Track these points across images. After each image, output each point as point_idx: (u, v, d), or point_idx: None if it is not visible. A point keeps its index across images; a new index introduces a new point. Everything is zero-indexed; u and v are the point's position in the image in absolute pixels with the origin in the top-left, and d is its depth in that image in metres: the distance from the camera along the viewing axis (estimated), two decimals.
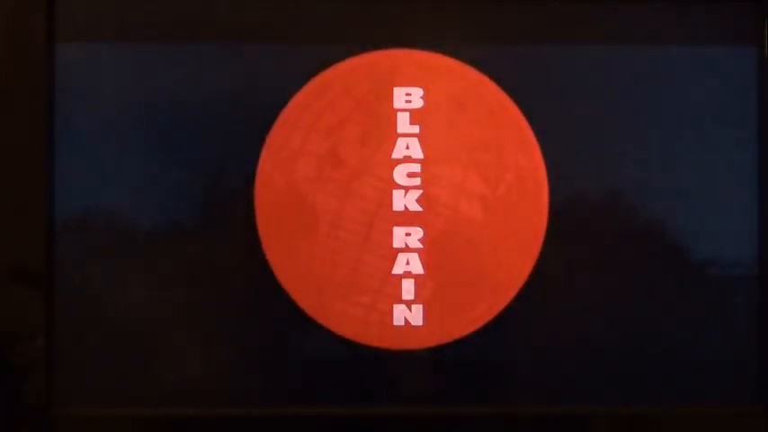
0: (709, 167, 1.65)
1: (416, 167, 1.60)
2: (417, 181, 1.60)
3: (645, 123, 1.64)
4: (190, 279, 1.62)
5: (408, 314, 1.62)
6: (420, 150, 1.60)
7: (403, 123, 1.61)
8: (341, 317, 1.61)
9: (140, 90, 1.63)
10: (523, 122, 1.63)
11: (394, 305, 1.61)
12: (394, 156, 1.60)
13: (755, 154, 1.65)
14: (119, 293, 1.62)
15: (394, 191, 1.60)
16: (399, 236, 1.60)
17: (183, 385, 1.62)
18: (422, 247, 1.60)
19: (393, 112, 1.61)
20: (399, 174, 1.60)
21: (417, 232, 1.60)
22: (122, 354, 1.62)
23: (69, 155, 1.61)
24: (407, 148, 1.60)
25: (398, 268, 1.60)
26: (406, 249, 1.60)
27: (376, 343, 1.62)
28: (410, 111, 1.61)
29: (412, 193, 1.60)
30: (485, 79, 1.63)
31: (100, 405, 1.62)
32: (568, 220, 1.64)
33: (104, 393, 1.62)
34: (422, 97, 1.61)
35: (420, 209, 1.60)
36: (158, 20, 1.63)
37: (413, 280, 1.61)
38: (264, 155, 1.62)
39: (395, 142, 1.60)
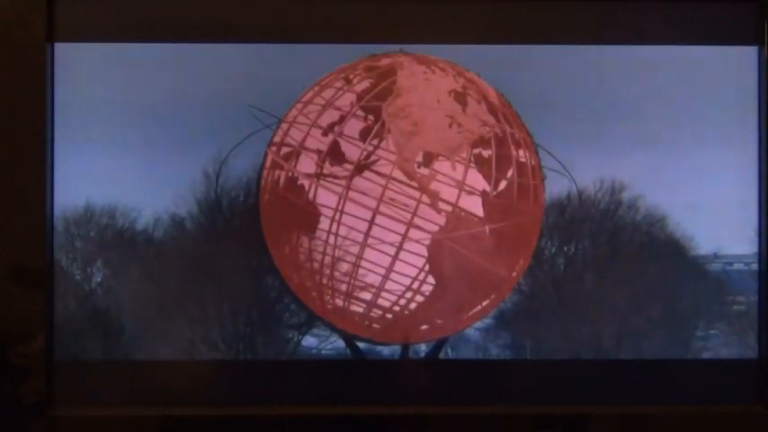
0: (709, 166, 1.65)
1: (417, 164, 1.60)
2: (418, 177, 1.60)
3: (644, 122, 1.65)
4: (192, 277, 1.62)
5: (409, 310, 1.62)
6: (420, 147, 1.60)
7: (404, 120, 1.61)
8: (343, 314, 1.62)
9: (141, 89, 1.63)
10: (522, 121, 1.63)
11: (395, 301, 1.62)
12: (394, 152, 1.60)
13: (756, 153, 1.65)
14: (119, 293, 1.62)
15: (394, 187, 1.59)
16: (400, 232, 1.59)
17: (182, 385, 1.62)
18: (422, 243, 1.60)
19: (394, 110, 1.61)
20: (400, 170, 1.60)
21: (418, 228, 1.60)
22: (122, 354, 1.62)
23: (69, 155, 1.62)
24: (408, 144, 1.60)
25: (399, 264, 1.60)
26: (407, 245, 1.60)
27: (376, 339, 1.63)
28: (411, 108, 1.61)
29: (412, 190, 1.60)
30: (483, 78, 1.64)
31: (99, 405, 1.61)
32: (565, 217, 1.64)
33: (104, 393, 1.61)
34: (422, 95, 1.61)
35: (420, 205, 1.60)
36: (158, 20, 1.63)
37: (413, 276, 1.61)
38: (268, 152, 1.62)
39: (395, 139, 1.60)
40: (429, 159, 1.60)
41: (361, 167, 1.60)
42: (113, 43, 1.63)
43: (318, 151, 1.61)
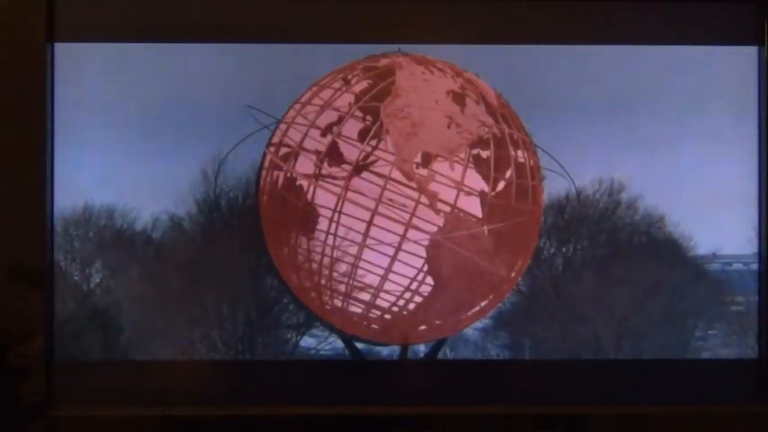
0: (709, 165, 1.65)
1: (415, 164, 1.60)
2: (416, 178, 1.60)
3: (644, 122, 1.64)
4: (192, 277, 1.62)
5: (407, 310, 1.62)
6: (419, 148, 1.60)
7: (402, 121, 1.61)
8: (342, 314, 1.62)
9: (141, 89, 1.63)
10: (520, 121, 1.63)
11: (393, 302, 1.62)
12: (393, 153, 1.60)
13: (755, 153, 1.65)
14: (119, 294, 1.62)
15: (393, 188, 1.59)
16: (398, 232, 1.59)
17: (182, 385, 1.62)
18: (421, 243, 1.60)
19: (392, 110, 1.61)
20: (398, 171, 1.60)
21: (416, 229, 1.60)
22: (122, 354, 1.62)
23: (69, 155, 1.62)
24: (406, 145, 1.60)
25: (397, 265, 1.60)
26: (405, 246, 1.60)
27: (375, 339, 1.63)
28: (409, 108, 1.61)
29: (411, 191, 1.60)
30: (482, 79, 1.64)
31: (99, 405, 1.61)
32: (564, 218, 1.64)
33: (104, 393, 1.61)
34: (421, 96, 1.61)
35: (419, 206, 1.60)
36: (158, 20, 1.63)
37: (412, 276, 1.61)
38: (266, 152, 1.62)
39: (394, 139, 1.60)
40: (427, 160, 1.60)
41: (359, 168, 1.60)
42: (113, 43, 1.63)
43: (317, 152, 1.61)
